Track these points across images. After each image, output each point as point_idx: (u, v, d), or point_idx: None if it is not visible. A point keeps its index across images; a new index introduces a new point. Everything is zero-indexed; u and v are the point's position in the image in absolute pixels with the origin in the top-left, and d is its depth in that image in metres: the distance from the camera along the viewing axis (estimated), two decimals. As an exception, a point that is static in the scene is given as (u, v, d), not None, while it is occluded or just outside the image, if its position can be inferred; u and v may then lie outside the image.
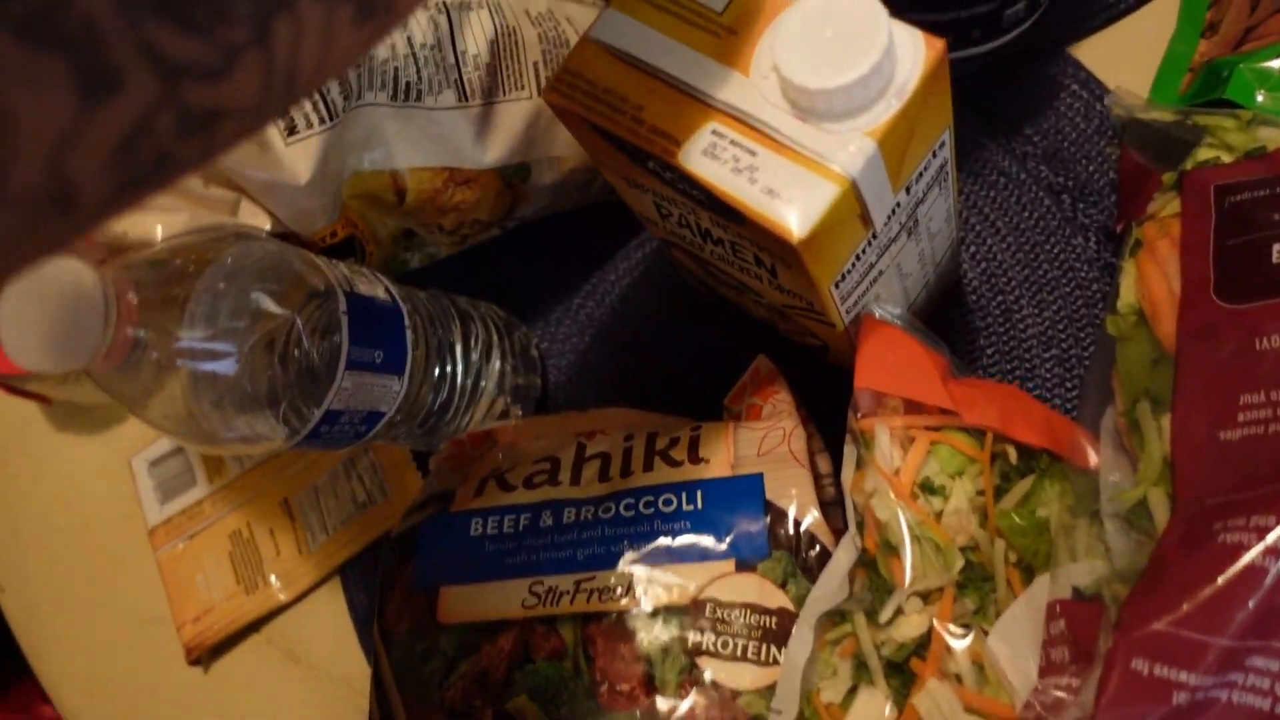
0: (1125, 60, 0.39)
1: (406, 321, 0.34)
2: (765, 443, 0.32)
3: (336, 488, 0.46)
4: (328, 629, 0.45)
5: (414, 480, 0.45)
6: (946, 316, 0.39)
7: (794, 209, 0.24)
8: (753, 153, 0.25)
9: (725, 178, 0.25)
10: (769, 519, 0.30)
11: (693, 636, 0.29)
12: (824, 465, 0.34)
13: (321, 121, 0.32)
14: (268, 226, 0.32)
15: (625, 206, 0.34)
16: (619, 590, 0.30)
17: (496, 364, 0.40)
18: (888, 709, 0.26)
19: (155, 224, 0.30)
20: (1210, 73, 0.32)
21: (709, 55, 0.27)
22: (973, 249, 0.40)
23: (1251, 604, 0.21)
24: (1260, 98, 0.30)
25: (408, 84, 0.34)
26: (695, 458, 0.32)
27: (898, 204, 0.28)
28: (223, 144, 0.15)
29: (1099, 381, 0.31)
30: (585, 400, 0.44)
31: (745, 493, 0.31)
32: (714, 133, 0.26)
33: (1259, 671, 0.21)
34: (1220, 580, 0.22)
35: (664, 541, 0.31)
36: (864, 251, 0.28)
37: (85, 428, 0.55)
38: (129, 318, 0.25)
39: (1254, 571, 0.21)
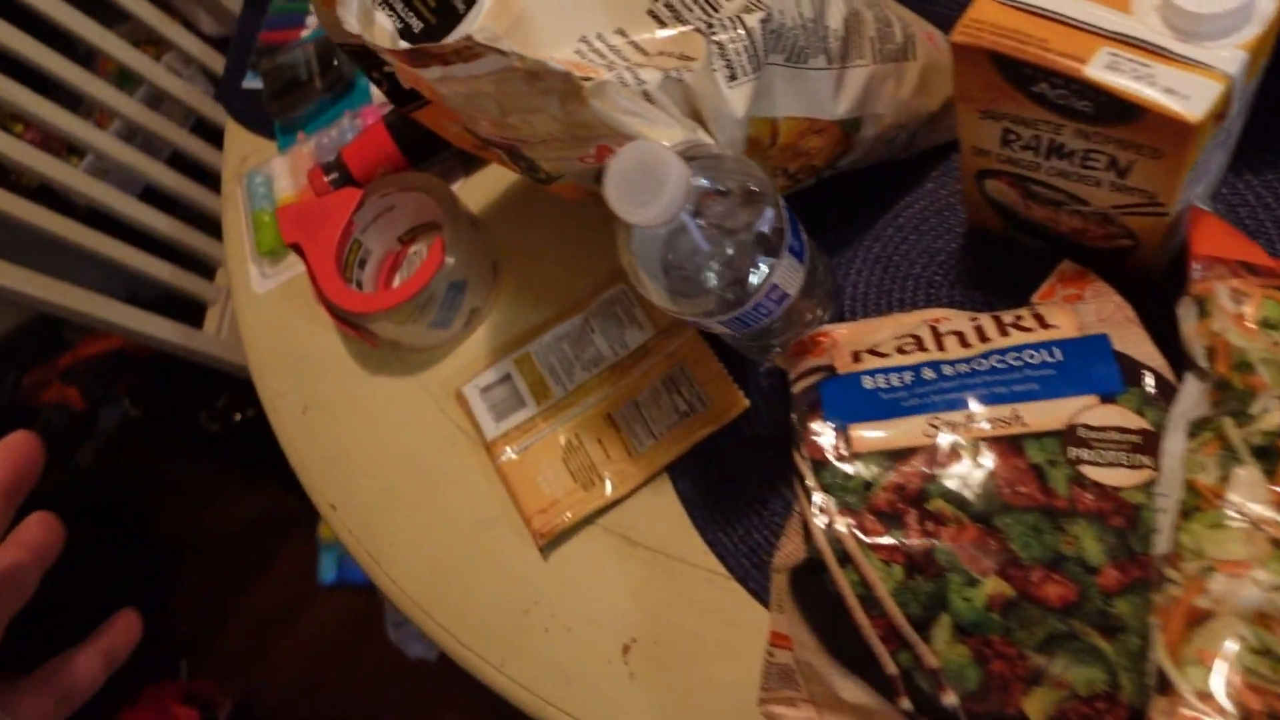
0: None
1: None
2: (1101, 313, 0.41)
3: (658, 401, 0.55)
4: (660, 518, 0.53)
5: (730, 392, 0.53)
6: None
7: (1191, 102, 0.34)
8: (1148, 66, 0.35)
9: (1129, 84, 0.35)
10: (1119, 365, 0.39)
11: (1072, 451, 0.37)
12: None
13: (747, 73, 0.42)
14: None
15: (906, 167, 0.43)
16: (1005, 421, 0.38)
17: (822, 268, 0.49)
18: (1261, 479, 0.34)
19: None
20: None
21: (1093, 1, 0.36)
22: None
23: None
24: None
25: (799, 49, 0.44)
26: (1044, 325, 0.41)
27: (1237, 100, 0.37)
28: None
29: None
30: (875, 323, 0.53)
31: (1096, 347, 0.40)
32: (1111, 54, 0.35)
33: None
34: None
35: (1035, 385, 0.39)
36: (1210, 144, 0.37)
37: (400, 370, 0.64)
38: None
39: None
